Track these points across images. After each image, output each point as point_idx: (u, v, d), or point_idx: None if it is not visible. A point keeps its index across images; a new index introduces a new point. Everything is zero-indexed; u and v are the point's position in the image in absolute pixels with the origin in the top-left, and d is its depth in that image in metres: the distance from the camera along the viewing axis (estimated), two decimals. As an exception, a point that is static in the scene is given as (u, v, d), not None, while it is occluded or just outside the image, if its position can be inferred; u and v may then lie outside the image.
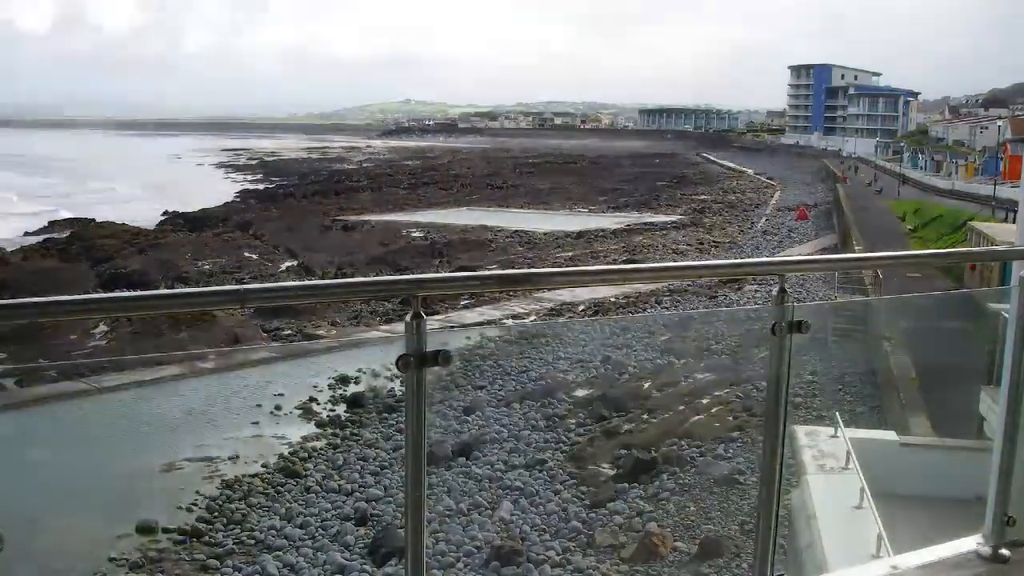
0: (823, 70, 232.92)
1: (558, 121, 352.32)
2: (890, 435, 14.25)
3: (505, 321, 43.98)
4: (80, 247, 71.16)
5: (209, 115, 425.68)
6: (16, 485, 26.16)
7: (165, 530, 23.72)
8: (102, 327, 42.70)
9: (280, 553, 22.45)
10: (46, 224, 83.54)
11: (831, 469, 11.41)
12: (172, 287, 54.15)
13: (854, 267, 41.84)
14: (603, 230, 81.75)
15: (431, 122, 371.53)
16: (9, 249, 70.79)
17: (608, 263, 58.27)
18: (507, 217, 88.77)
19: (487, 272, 5.42)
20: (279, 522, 24.18)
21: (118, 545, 22.89)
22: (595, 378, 35.18)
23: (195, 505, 25.07)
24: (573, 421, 30.60)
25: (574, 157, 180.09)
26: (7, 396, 34.31)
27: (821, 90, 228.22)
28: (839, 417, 12.78)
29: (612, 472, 26.79)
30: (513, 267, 55.24)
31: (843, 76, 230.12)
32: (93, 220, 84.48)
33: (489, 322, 43.69)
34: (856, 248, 56.92)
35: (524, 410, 31.40)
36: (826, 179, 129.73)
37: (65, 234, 76.65)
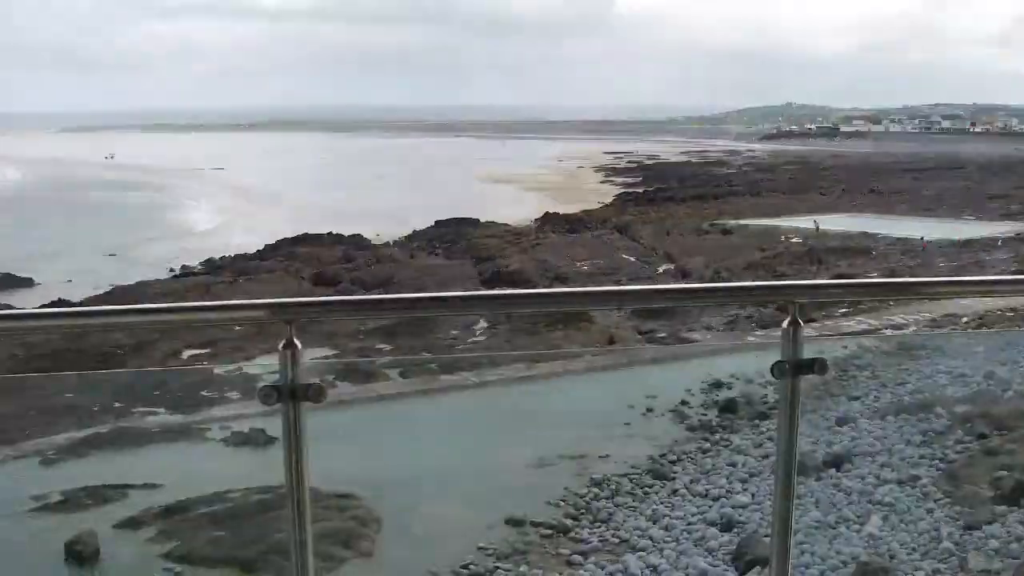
0: None
1: (945, 124, 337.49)
2: None
3: (884, 331, 42.56)
4: (464, 245, 73.98)
5: (593, 117, 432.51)
6: (398, 472, 27.51)
7: (533, 523, 24.23)
8: (482, 323, 44.19)
9: (644, 554, 22.53)
10: (432, 223, 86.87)
11: None
12: (550, 286, 55.47)
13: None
14: (993, 239, 77.73)
15: (812, 126, 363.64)
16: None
17: (997, 274, 55.38)
18: (888, 224, 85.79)
19: (868, 280, 5.26)
20: (644, 523, 24.26)
21: (487, 535, 23.58)
22: (976, 394, 33.54)
23: (563, 501, 25.49)
24: (952, 438, 29.28)
25: (961, 161, 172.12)
26: (391, 386, 36.02)
27: None
28: None
29: (990, 494, 25.47)
30: (894, 276, 53.43)
31: None
32: (477, 220, 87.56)
33: (867, 332, 42.41)
34: None
35: (899, 424, 30.27)
36: None
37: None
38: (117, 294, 59.60)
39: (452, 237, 78.23)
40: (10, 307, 53.24)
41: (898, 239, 75.03)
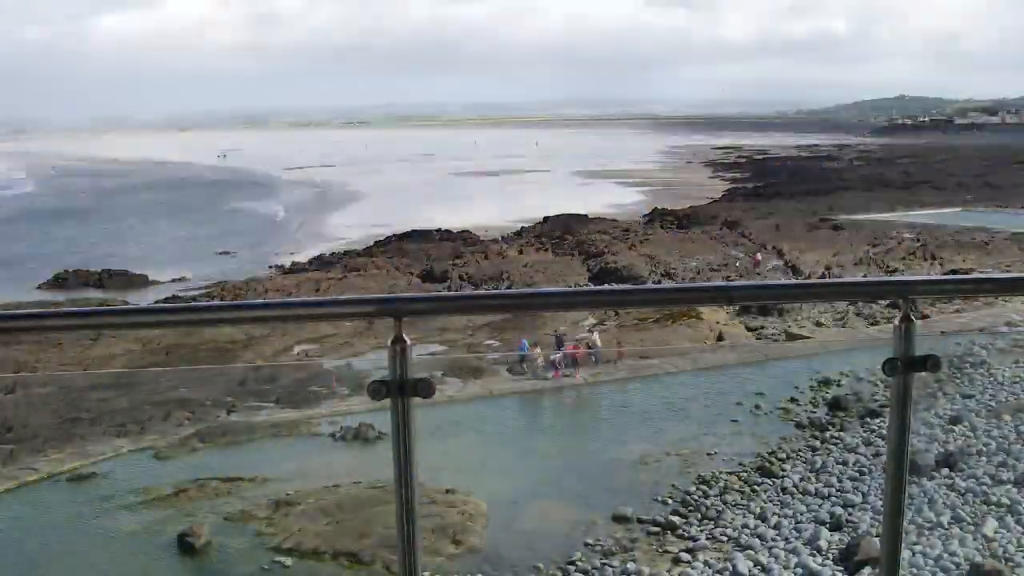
0: None
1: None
2: None
3: (999, 328, 41.64)
4: (572, 241, 73.90)
5: (702, 112, 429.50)
6: (504, 467, 27.64)
7: (640, 520, 24.20)
8: (590, 319, 44.10)
9: (752, 552, 22.35)
10: (541, 219, 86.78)
11: None
12: (658, 282, 55.29)
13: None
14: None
15: (926, 118, 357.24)
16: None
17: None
18: (1005, 218, 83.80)
19: (982, 275, 5.14)
20: (753, 521, 24.07)
21: (593, 531, 23.60)
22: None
23: (670, 498, 25.42)
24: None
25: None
26: (499, 381, 36.15)
27: None
28: None
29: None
30: (1010, 271, 52.30)
31: None
32: (585, 215, 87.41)
33: (981, 329, 41.55)
34: None
35: (1016, 423, 29.60)
36: None
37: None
38: (228, 290, 60.51)
39: (560, 233, 78.12)
40: (126, 303, 54.42)
41: (1014, 233, 73.27)
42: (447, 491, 24.79)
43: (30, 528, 24.73)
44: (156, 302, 54.34)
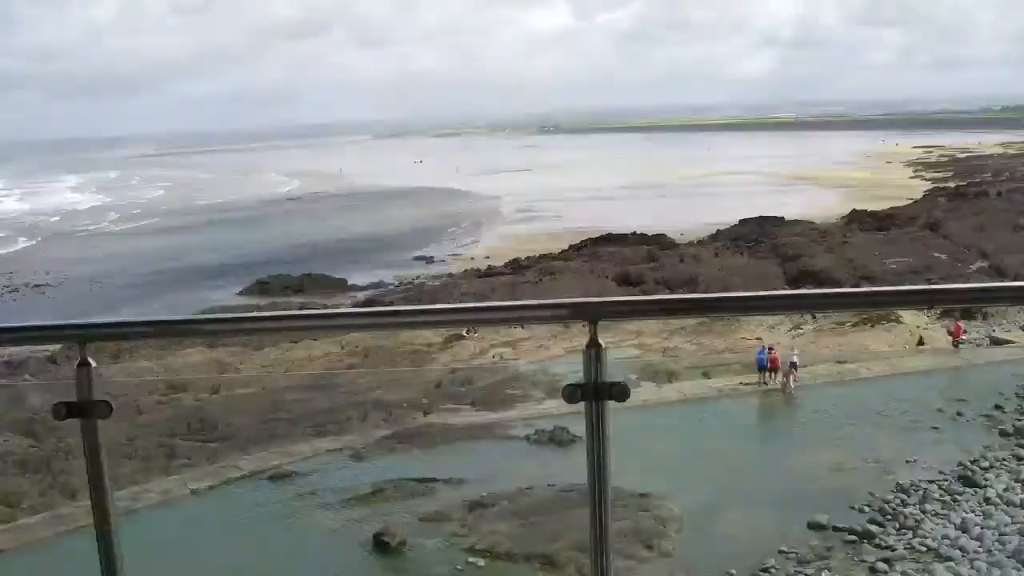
0: None
1: None
2: None
3: None
4: (768, 244, 73.05)
5: (903, 111, 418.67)
6: (699, 472, 27.41)
7: (836, 528, 23.75)
8: (787, 323, 43.52)
9: (952, 564, 21.71)
10: (737, 222, 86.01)
11: None
12: (857, 286, 54.16)
13: None
14: None
15: None
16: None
17: None
18: None
19: None
20: (953, 531, 23.39)
21: (788, 539, 23.23)
22: None
23: (867, 507, 24.86)
24: None
25: None
26: (694, 386, 35.88)
27: None
28: None
29: None
30: None
31: None
32: (781, 218, 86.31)
33: None
34: None
35: None
36: None
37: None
38: (426, 292, 61.60)
39: (756, 236, 77.34)
40: (325, 307, 55.78)
41: None
42: (640, 495, 24.71)
43: (234, 525, 25.54)
44: (353, 306, 55.64)
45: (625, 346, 41.65)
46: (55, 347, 39.33)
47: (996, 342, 41.22)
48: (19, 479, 28.55)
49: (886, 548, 22.86)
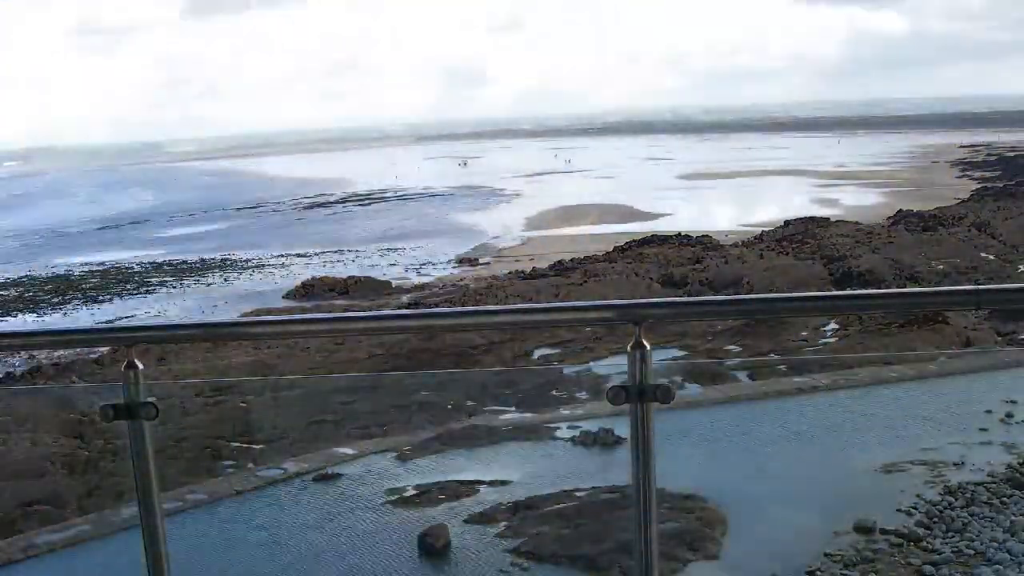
0: None
1: None
2: None
3: None
4: (813, 245, 72.70)
5: (947, 110, 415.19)
6: (744, 474, 27.30)
7: (883, 531, 23.57)
8: (833, 324, 43.29)
9: (1000, 567, 21.51)
10: (782, 223, 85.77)
11: None
12: (903, 287, 53.79)
13: None
14: None
15: None
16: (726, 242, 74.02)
17: None
18: None
19: None
20: (1002, 535, 23.18)
21: (834, 542, 23.08)
22: None
23: (915, 509, 24.65)
24: None
25: None
26: (739, 388, 35.79)
27: None
28: None
29: None
30: None
31: None
32: (827, 218, 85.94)
33: None
34: None
35: None
36: None
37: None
38: (469, 295, 61.67)
39: (801, 236, 77.01)
40: (370, 309, 55.99)
41: None
42: (685, 497, 24.63)
43: (280, 527, 25.65)
44: (397, 308, 55.85)
45: (669, 347, 41.59)
46: (103, 349, 39.68)
47: (1046, 343, 40.86)
48: (68, 480, 28.85)
49: (933, 551, 22.68)
